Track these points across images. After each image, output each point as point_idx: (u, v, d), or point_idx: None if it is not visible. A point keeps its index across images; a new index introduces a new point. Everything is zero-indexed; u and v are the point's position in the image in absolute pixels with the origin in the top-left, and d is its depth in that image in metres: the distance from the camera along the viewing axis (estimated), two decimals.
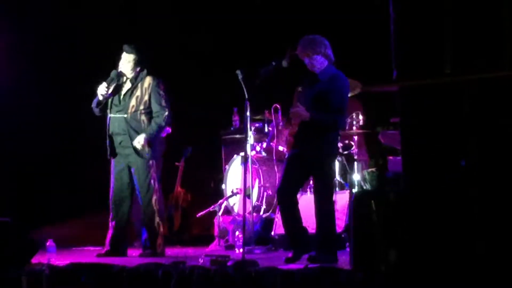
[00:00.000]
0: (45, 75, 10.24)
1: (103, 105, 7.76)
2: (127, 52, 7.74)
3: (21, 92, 10.09)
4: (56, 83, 10.24)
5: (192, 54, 10.57)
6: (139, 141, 7.58)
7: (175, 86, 10.02)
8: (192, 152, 10.41)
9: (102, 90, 7.64)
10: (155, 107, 7.68)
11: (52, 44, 10.32)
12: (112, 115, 7.74)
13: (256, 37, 10.02)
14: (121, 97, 7.74)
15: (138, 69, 7.74)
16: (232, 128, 9.84)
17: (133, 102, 7.68)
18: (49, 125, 10.23)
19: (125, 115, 7.67)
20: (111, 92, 7.72)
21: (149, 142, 7.59)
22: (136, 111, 7.66)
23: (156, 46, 10.27)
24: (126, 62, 7.73)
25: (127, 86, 7.77)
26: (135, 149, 7.62)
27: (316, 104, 6.70)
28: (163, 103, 7.68)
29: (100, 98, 7.70)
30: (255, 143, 9.13)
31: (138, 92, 7.70)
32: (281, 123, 8.75)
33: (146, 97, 7.68)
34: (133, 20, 10.42)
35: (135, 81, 7.74)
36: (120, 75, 7.74)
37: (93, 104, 7.79)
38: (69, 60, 10.32)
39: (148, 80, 7.72)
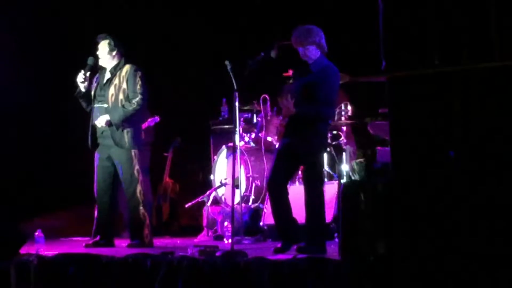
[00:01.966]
0: (32, 69, 10.22)
1: (88, 97, 7.75)
2: (100, 39, 7.74)
3: (8, 85, 10.05)
4: (41, 75, 10.21)
5: (181, 45, 10.55)
6: (99, 121, 7.60)
7: (164, 77, 10.05)
8: (180, 142, 10.42)
9: (80, 78, 7.65)
10: (130, 92, 7.63)
11: (40, 36, 10.29)
12: (95, 105, 7.73)
13: (245, 27, 10.02)
14: (102, 87, 7.74)
15: (115, 54, 7.73)
16: (220, 119, 9.84)
17: (112, 91, 7.66)
18: (37, 117, 10.22)
19: (106, 105, 7.66)
20: (90, 82, 7.71)
21: (111, 123, 7.60)
22: (116, 100, 7.64)
23: (144, 37, 10.28)
24: (102, 50, 7.73)
25: (107, 76, 7.76)
26: (114, 140, 7.61)
27: (305, 94, 6.69)
28: (138, 89, 7.62)
29: (81, 87, 7.69)
30: (243, 134, 9.13)
31: (116, 81, 7.68)
32: (269, 114, 8.75)
33: (124, 85, 7.66)
34: (122, 10, 10.39)
35: (114, 70, 7.73)
36: (97, 61, 7.72)
37: (76, 95, 7.78)
38: (58, 52, 10.30)
39: (126, 68, 7.71)
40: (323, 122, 6.84)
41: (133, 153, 7.63)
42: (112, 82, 7.69)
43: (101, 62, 7.76)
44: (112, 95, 7.65)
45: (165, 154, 10.29)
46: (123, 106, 7.59)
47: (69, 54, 9.97)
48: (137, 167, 7.64)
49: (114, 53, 7.73)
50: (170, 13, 10.49)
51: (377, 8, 5.44)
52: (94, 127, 7.73)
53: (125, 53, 7.77)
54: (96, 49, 7.76)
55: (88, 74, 7.68)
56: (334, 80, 6.80)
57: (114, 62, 7.75)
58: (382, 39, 5.41)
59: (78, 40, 9.97)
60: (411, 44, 5.28)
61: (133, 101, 7.58)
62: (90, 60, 7.71)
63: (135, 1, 10.49)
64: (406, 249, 5.17)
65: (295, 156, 6.76)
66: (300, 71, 6.87)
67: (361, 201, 5.40)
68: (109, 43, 7.70)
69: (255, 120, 9.18)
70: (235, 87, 7.00)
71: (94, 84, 7.76)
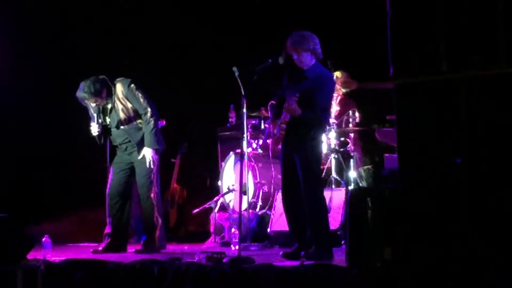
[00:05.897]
0: (39, 72, 10.24)
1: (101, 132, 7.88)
2: (85, 99, 7.77)
3: (17, 89, 10.09)
4: (49, 79, 10.24)
5: (188, 51, 10.57)
6: (148, 158, 7.72)
7: (172, 83, 10.06)
8: (188, 148, 10.42)
9: (95, 129, 7.78)
10: (138, 108, 7.76)
11: (52, 42, 10.32)
12: (112, 130, 7.85)
13: (253, 33, 10.02)
14: (109, 115, 7.84)
15: (103, 96, 7.76)
16: (228, 125, 9.84)
17: (121, 115, 7.80)
18: (45, 121, 10.23)
19: (122, 127, 7.80)
20: (102, 125, 7.82)
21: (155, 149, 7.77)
22: (129, 118, 7.78)
23: (152, 42, 10.30)
24: (92, 103, 7.79)
25: (109, 105, 7.84)
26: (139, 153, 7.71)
27: (302, 100, 6.64)
28: (142, 101, 7.76)
29: (95, 134, 7.80)
30: (251, 140, 9.13)
31: (119, 105, 7.80)
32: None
33: (128, 104, 7.79)
34: (128, 14, 10.41)
35: (111, 99, 7.80)
36: (102, 109, 7.84)
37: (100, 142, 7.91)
38: (65, 57, 10.32)
39: (119, 88, 7.79)
40: (321, 128, 6.88)
41: (153, 157, 7.71)
42: (117, 108, 7.80)
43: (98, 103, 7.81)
44: (124, 118, 7.80)
45: (173, 160, 10.29)
46: (146, 131, 7.72)
47: (69, 55, 10.01)
48: (154, 171, 7.71)
49: (102, 95, 7.76)
50: (178, 19, 10.50)
51: (386, 15, 5.44)
52: (115, 147, 7.88)
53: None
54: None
55: (98, 123, 7.80)
56: (330, 87, 6.85)
57: (106, 94, 7.79)
58: (390, 45, 5.40)
59: (78, 40, 10.02)
60: (419, 51, 5.28)
61: (148, 118, 7.72)
62: (95, 110, 7.80)
63: (144, 7, 10.50)
64: (413, 256, 5.16)
65: (295, 162, 6.76)
66: (295, 77, 6.86)
67: (368, 208, 5.39)
68: (94, 100, 7.74)
69: (262, 127, 9.18)
70: (243, 93, 7.00)
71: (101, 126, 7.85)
